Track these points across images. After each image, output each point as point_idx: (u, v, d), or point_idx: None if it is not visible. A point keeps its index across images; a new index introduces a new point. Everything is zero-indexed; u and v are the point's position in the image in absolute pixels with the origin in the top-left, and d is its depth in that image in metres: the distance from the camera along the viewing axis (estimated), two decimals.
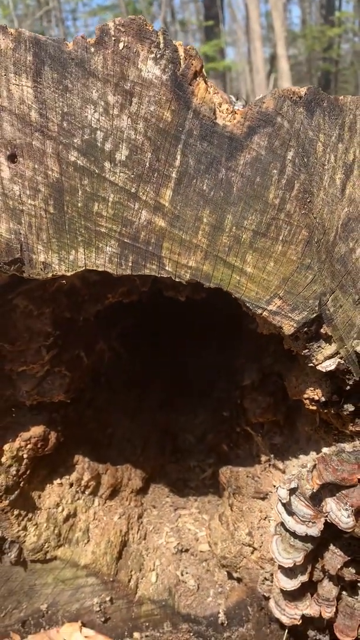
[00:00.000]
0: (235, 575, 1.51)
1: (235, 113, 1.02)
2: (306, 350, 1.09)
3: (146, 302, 1.75)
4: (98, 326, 1.79)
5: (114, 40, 0.98)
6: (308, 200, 1.01)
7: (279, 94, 0.99)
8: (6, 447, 1.45)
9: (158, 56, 0.98)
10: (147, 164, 1.01)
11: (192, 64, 0.99)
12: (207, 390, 2.36)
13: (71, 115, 1.01)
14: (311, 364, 1.10)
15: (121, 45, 0.98)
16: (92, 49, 0.99)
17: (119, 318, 1.99)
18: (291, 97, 0.99)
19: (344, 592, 1.35)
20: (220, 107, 1.02)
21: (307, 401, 1.21)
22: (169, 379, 2.44)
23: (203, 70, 1.02)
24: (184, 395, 2.38)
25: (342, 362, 1.07)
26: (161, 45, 0.98)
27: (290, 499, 1.24)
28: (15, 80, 1.02)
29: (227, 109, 1.03)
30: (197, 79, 1.00)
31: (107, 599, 1.52)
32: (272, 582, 1.41)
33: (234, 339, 2.18)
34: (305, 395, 1.20)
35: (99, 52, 0.98)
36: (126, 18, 0.99)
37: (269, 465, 1.55)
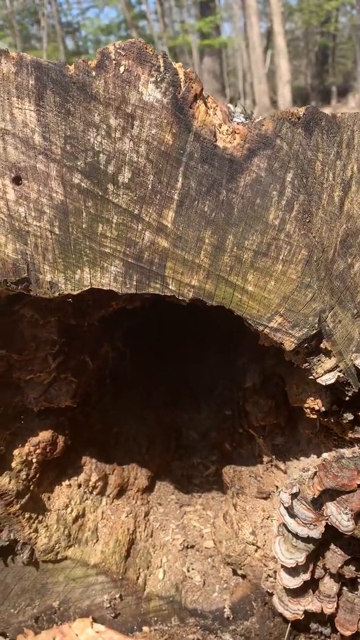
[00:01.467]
0: (239, 572, 1.57)
1: (236, 133, 1.03)
2: (306, 364, 1.12)
3: (149, 307, 1.77)
4: (102, 329, 1.82)
5: (115, 63, 1.00)
6: (307, 220, 1.03)
7: (277, 116, 1.01)
8: (16, 452, 1.50)
9: (159, 79, 0.99)
10: (150, 186, 1.04)
11: (193, 87, 1.00)
12: (211, 388, 2.41)
13: (74, 139, 1.03)
14: (311, 377, 1.13)
15: (122, 68, 1.00)
16: (94, 73, 1.00)
17: (123, 319, 2.02)
18: (290, 119, 1.01)
19: (344, 588, 1.40)
20: (220, 128, 1.04)
21: (307, 410, 1.24)
22: (174, 377, 2.48)
23: (203, 92, 1.04)
24: (188, 393, 2.42)
25: (342, 375, 1.10)
26: (161, 69, 1.00)
27: (292, 502, 1.29)
28: (18, 104, 1.03)
29: (226, 130, 1.04)
30: (198, 101, 1.01)
31: (117, 595, 1.58)
32: (275, 579, 1.46)
33: (236, 338, 2.21)
34: (306, 405, 1.24)
35: (100, 76, 1.00)
36: (126, 42, 1.01)
37: (271, 465, 1.60)
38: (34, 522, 1.51)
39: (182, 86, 1.00)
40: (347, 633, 1.36)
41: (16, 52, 1.04)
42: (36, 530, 1.52)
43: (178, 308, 1.72)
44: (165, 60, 1.00)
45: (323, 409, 1.20)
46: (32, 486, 1.52)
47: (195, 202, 1.03)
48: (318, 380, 1.12)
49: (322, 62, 34.38)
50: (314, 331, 1.07)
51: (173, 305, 1.65)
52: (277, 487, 1.56)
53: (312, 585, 1.39)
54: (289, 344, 1.09)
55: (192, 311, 1.77)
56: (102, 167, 1.03)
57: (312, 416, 1.25)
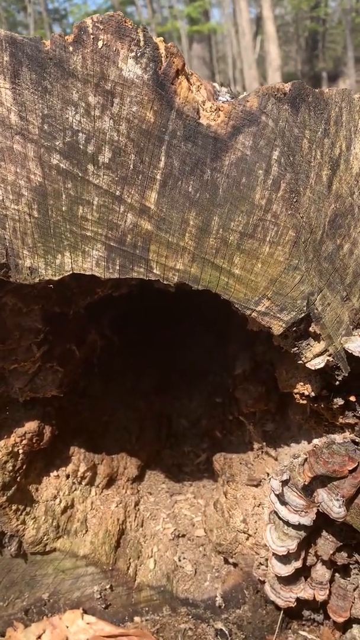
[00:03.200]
0: (231, 560, 1.55)
1: (220, 111, 1.00)
2: (295, 349, 1.10)
3: (137, 293, 1.74)
4: (89, 316, 1.79)
5: (93, 38, 0.95)
6: (294, 200, 1.00)
7: (262, 92, 0.97)
8: (1, 443, 1.46)
9: (139, 54, 0.95)
10: (131, 166, 1.00)
11: (174, 62, 0.96)
12: (201, 375, 2.38)
13: (52, 118, 0.99)
14: (300, 362, 1.11)
15: (100, 43, 0.95)
16: (71, 48, 0.96)
17: (110, 306, 1.99)
18: (275, 95, 0.97)
19: (336, 574, 1.39)
20: (203, 105, 1.00)
21: (297, 395, 1.22)
22: (163, 364, 2.45)
23: (185, 67, 1.00)
24: (178, 381, 2.40)
25: (331, 359, 1.07)
26: (141, 43, 0.96)
27: (282, 490, 1.27)
28: None
29: (210, 107, 1.01)
30: (179, 77, 0.97)
31: (107, 586, 1.56)
32: (267, 567, 1.44)
33: (226, 325, 2.18)
34: (296, 390, 1.21)
35: (77, 52, 0.96)
36: (104, 15, 0.97)
37: (262, 452, 1.58)
38: (21, 514, 1.49)
39: (163, 61, 0.96)
40: (340, 619, 1.35)
41: None
42: (24, 522, 1.49)
43: (166, 294, 1.69)
44: (145, 34, 0.96)
45: (313, 394, 1.18)
46: (19, 477, 1.49)
47: (179, 182, 1.00)
48: (307, 365, 1.09)
49: (312, 48, 34.14)
50: (303, 314, 1.04)
51: (161, 291, 1.62)
52: (267, 474, 1.54)
53: (304, 572, 1.37)
54: (277, 328, 1.06)
55: (180, 297, 1.74)
56: (81, 147, 1.00)
57: (302, 402, 1.22)
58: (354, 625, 1.45)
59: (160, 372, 2.39)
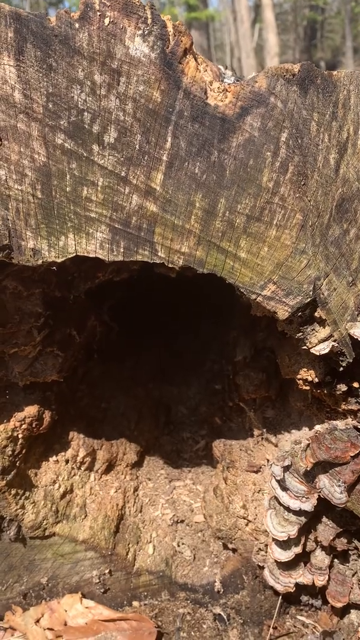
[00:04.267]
0: (230, 546, 1.55)
1: (227, 91, 0.98)
2: (300, 334, 1.09)
3: (137, 278, 1.73)
4: (89, 301, 1.78)
5: (99, 15, 0.94)
6: (302, 183, 0.99)
7: (271, 73, 0.96)
8: (0, 428, 1.46)
9: (146, 33, 0.94)
10: (137, 146, 0.98)
11: (182, 41, 0.95)
12: (200, 362, 2.37)
13: (57, 96, 0.97)
14: (305, 347, 1.10)
15: (107, 20, 0.93)
16: (77, 25, 0.94)
17: (110, 291, 1.98)
18: (284, 76, 0.96)
19: (335, 560, 1.40)
20: (211, 85, 0.99)
21: (300, 381, 1.21)
22: (162, 350, 2.45)
23: (193, 46, 0.98)
24: (177, 367, 2.39)
25: (336, 345, 1.07)
26: (149, 21, 0.94)
27: (284, 475, 1.27)
28: None
29: (218, 88, 0.99)
30: (187, 56, 0.96)
31: (106, 571, 1.56)
32: (266, 552, 1.45)
33: (226, 311, 2.17)
34: (299, 376, 1.21)
35: (83, 29, 0.94)
36: None
37: (262, 438, 1.58)
38: (20, 499, 1.48)
39: (170, 40, 0.94)
40: (339, 605, 1.36)
41: None
42: (23, 507, 1.49)
43: (166, 280, 1.68)
44: (152, 12, 0.94)
45: (316, 380, 1.17)
46: (18, 462, 1.48)
47: (185, 164, 0.98)
48: (312, 351, 1.09)
49: (311, 37, 33.93)
50: (309, 299, 1.03)
51: (161, 276, 1.61)
52: (267, 460, 1.54)
53: (303, 558, 1.38)
54: (282, 313, 1.05)
55: (180, 283, 1.73)
56: (86, 126, 0.98)
57: (304, 388, 1.22)
58: (351, 611, 1.46)
59: (158, 358, 2.38)
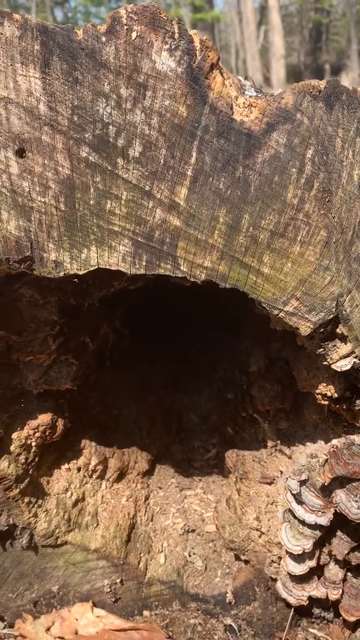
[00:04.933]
0: (242, 557, 1.55)
1: (253, 107, 0.98)
2: (321, 349, 1.09)
3: (152, 287, 1.73)
4: (102, 308, 1.78)
5: (126, 29, 0.94)
6: (327, 199, 0.99)
7: (298, 89, 0.95)
8: (14, 435, 1.45)
9: (173, 47, 0.94)
10: (162, 161, 0.98)
11: (209, 56, 0.94)
12: (212, 370, 2.37)
13: (82, 109, 0.97)
14: (325, 363, 1.10)
15: (134, 35, 0.93)
16: (104, 39, 0.94)
17: (122, 298, 1.97)
18: (311, 92, 0.96)
19: (349, 574, 1.39)
20: (237, 100, 0.99)
21: (319, 396, 1.21)
22: (174, 358, 2.44)
23: (220, 62, 0.98)
24: (188, 375, 2.39)
25: (358, 361, 1.07)
26: (176, 36, 0.94)
27: (300, 489, 1.26)
28: (23, 70, 0.97)
29: (243, 103, 0.99)
30: (214, 71, 0.96)
31: (118, 580, 1.56)
32: (279, 564, 1.45)
33: (239, 320, 2.17)
34: (318, 391, 1.21)
35: (110, 42, 0.94)
36: (138, 5, 0.95)
37: (276, 450, 1.58)
38: (33, 507, 1.48)
39: (197, 55, 0.94)
40: (352, 619, 1.35)
41: (20, 14, 0.97)
42: (35, 515, 1.48)
43: (179, 287, 1.68)
44: (180, 26, 0.94)
45: (335, 395, 1.17)
46: (31, 470, 1.48)
47: (210, 179, 0.98)
48: (333, 366, 1.08)
49: (316, 40, 33.97)
50: (331, 316, 1.03)
51: (175, 284, 1.61)
52: (281, 472, 1.54)
53: (317, 571, 1.37)
54: (304, 329, 1.05)
55: (193, 290, 1.73)
56: (111, 140, 0.98)
57: (323, 402, 1.22)
58: None
59: (169, 366, 2.38)
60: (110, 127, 0.97)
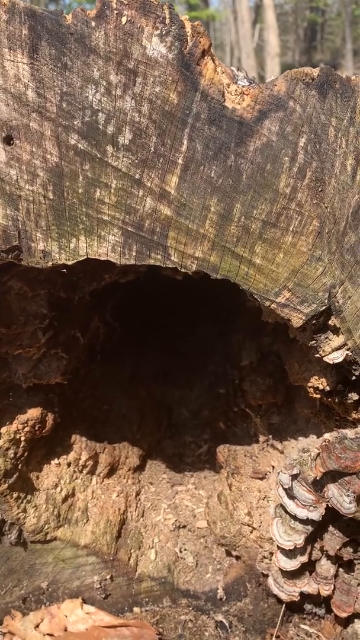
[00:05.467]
0: (234, 553, 1.54)
1: (245, 94, 0.97)
2: (313, 342, 1.07)
3: (142, 280, 1.71)
4: (93, 302, 1.76)
5: (116, 14, 0.92)
6: (320, 189, 0.97)
7: (291, 76, 0.94)
8: (3, 430, 1.43)
9: (164, 33, 0.92)
10: (152, 148, 0.97)
11: (200, 42, 0.93)
12: (203, 364, 2.35)
13: (71, 96, 0.95)
14: (318, 355, 1.09)
15: (124, 19, 0.91)
16: (93, 24, 0.92)
17: (113, 291, 1.95)
18: (303, 80, 0.94)
19: (340, 569, 1.38)
20: (228, 88, 0.97)
21: (310, 389, 1.20)
22: (165, 351, 2.43)
23: (211, 48, 0.96)
24: (179, 369, 2.37)
25: (350, 353, 1.05)
26: (167, 21, 0.92)
27: (292, 484, 1.25)
28: (10, 56, 0.95)
29: (235, 90, 0.97)
30: (205, 58, 0.94)
31: (108, 576, 1.54)
32: (270, 560, 1.43)
33: (230, 313, 2.16)
34: (309, 384, 1.19)
35: (100, 27, 0.92)
36: None
37: (267, 445, 1.56)
38: (22, 502, 1.46)
39: (188, 41, 0.92)
40: (343, 614, 1.35)
41: None
42: (25, 510, 1.46)
43: (169, 280, 1.66)
44: (171, 11, 0.92)
45: (328, 388, 1.16)
46: (20, 465, 1.46)
47: (201, 167, 0.97)
48: (325, 359, 1.07)
49: (311, 39, 34.02)
50: (323, 307, 1.02)
51: (167, 277, 1.59)
52: (273, 467, 1.52)
53: (309, 567, 1.36)
54: (296, 321, 1.04)
55: (185, 284, 1.71)
56: (100, 127, 0.96)
57: (315, 395, 1.20)
58: (355, 620, 1.45)
59: (160, 359, 2.36)
60: (100, 114, 0.95)
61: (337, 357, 1.05)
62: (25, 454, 1.49)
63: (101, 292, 1.72)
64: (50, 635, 1.48)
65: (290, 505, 1.26)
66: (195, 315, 2.56)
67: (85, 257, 1.05)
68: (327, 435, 1.25)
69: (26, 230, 1.03)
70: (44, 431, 1.51)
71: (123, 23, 0.92)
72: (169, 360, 2.41)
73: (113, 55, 0.93)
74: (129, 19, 0.91)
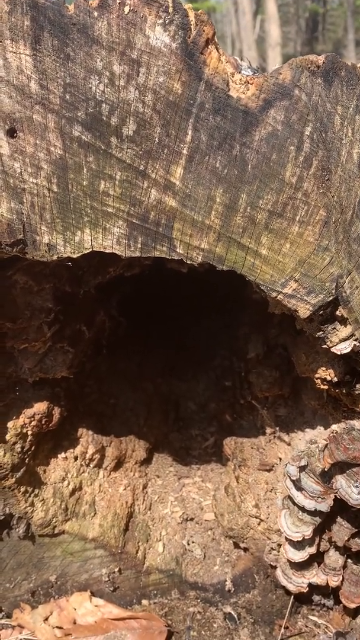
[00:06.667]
0: (241, 545, 1.54)
1: (250, 83, 0.96)
2: (320, 332, 1.07)
3: (148, 273, 1.70)
4: (98, 296, 1.75)
5: (119, 3, 0.91)
6: (326, 178, 0.96)
7: (296, 64, 0.93)
8: (10, 424, 1.44)
9: (167, 22, 0.91)
10: (157, 139, 0.96)
11: (204, 31, 0.92)
12: (210, 357, 2.35)
13: (74, 87, 0.94)
14: (325, 346, 1.08)
15: (127, 9, 0.90)
16: (96, 14, 0.91)
17: (118, 285, 1.95)
18: (309, 67, 0.93)
19: (349, 560, 1.38)
20: (233, 77, 0.96)
21: (318, 380, 1.19)
22: (171, 345, 2.42)
23: (215, 37, 0.95)
24: (185, 362, 2.37)
25: (358, 344, 1.05)
26: (170, 10, 0.91)
27: (300, 475, 1.25)
28: (13, 47, 0.94)
29: (240, 80, 0.96)
30: (209, 47, 0.93)
31: (116, 569, 1.54)
32: (278, 552, 1.43)
33: (236, 306, 2.15)
34: (317, 375, 1.19)
35: (102, 17, 0.91)
36: None
37: (274, 437, 1.56)
38: (29, 496, 1.46)
39: (192, 29, 0.91)
40: (352, 605, 1.34)
41: None
42: (32, 504, 1.47)
43: (176, 273, 1.65)
44: (174, 0, 0.91)
45: (335, 379, 1.15)
46: (27, 459, 1.47)
47: (206, 158, 0.96)
48: (332, 350, 1.06)
49: (312, 29, 33.76)
50: (331, 297, 1.01)
51: (172, 270, 1.58)
52: (280, 459, 1.52)
53: (317, 558, 1.36)
54: (303, 311, 1.03)
55: (190, 277, 1.71)
56: (104, 118, 0.95)
57: (322, 387, 1.20)
58: None
59: (166, 353, 2.36)
60: (104, 105, 0.95)
61: (344, 348, 1.04)
62: (32, 448, 1.49)
63: (106, 286, 1.72)
64: (60, 628, 1.49)
65: (298, 497, 1.26)
66: (201, 307, 2.55)
67: (90, 249, 1.04)
68: (334, 427, 1.24)
69: (31, 223, 1.03)
70: (50, 425, 1.51)
71: (126, 12, 0.91)
72: (175, 353, 2.40)
73: (116, 45, 0.92)
74: (131, 8, 0.90)
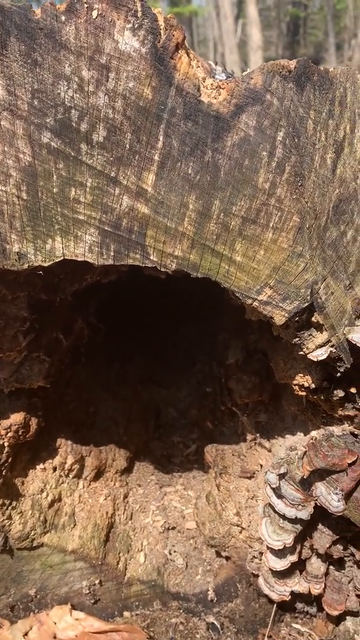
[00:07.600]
0: (223, 553, 1.52)
1: (221, 88, 0.94)
2: (297, 339, 1.06)
3: (125, 280, 1.68)
4: (75, 304, 1.73)
5: (87, 7, 0.89)
6: (299, 183, 0.95)
7: (267, 69, 0.92)
8: None
9: (136, 26, 0.89)
10: (127, 145, 0.94)
11: (174, 35, 0.90)
12: (190, 363, 2.33)
13: (42, 93, 0.92)
14: (302, 352, 1.07)
15: (95, 13, 0.89)
16: (63, 18, 0.90)
17: (96, 292, 1.93)
18: (280, 72, 0.92)
19: (331, 567, 1.37)
20: (204, 82, 0.95)
21: (296, 387, 1.18)
22: (149, 352, 2.40)
23: (185, 41, 0.94)
24: (166, 368, 2.35)
25: (334, 350, 1.04)
26: (139, 14, 0.89)
27: (279, 483, 1.24)
28: None
29: (211, 84, 0.95)
30: (179, 51, 0.92)
31: (96, 581, 1.52)
32: (260, 560, 1.42)
33: (215, 312, 2.13)
34: (295, 382, 1.18)
35: (70, 22, 0.89)
36: None
37: (255, 443, 1.54)
38: (7, 509, 1.43)
39: (162, 34, 0.90)
40: (335, 612, 1.33)
41: None
42: (10, 517, 1.44)
43: (153, 281, 1.64)
44: (142, 4, 0.90)
45: (313, 385, 1.14)
46: (4, 471, 1.44)
47: (178, 164, 0.94)
48: (309, 356, 1.05)
49: (294, 33, 34.04)
50: (306, 304, 1.00)
51: (149, 276, 1.56)
52: (261, 465, 1.51)
53: (299, 565, 1.35)
54: (279, 318, 1.02)
55: (169, 283, 1.69)
56: (74, 124, 0.93)
57: (300, 393, 1.19)
58: (347, 618, 1.44)
59: (146, 359, 2.34)
60: (73, 111, 0.93)
61: (321, 354, 1.03)
62: (9, 460, 1.46)
63: (83, 293, 1.69)
64: None
65: (279, 505, 1.25)
66: (181, 313, 2.53)
67: (62, 258, 1.02)
68: (314, 433, 1.23)
69: (0, 232, 1.00)
70: (28, 436, 1.48)
71: (94, 17, 0.89)
72: (155, 361, 2.38)
73: (84, 50, 0.90)
74: (99, 12, 0.89)
